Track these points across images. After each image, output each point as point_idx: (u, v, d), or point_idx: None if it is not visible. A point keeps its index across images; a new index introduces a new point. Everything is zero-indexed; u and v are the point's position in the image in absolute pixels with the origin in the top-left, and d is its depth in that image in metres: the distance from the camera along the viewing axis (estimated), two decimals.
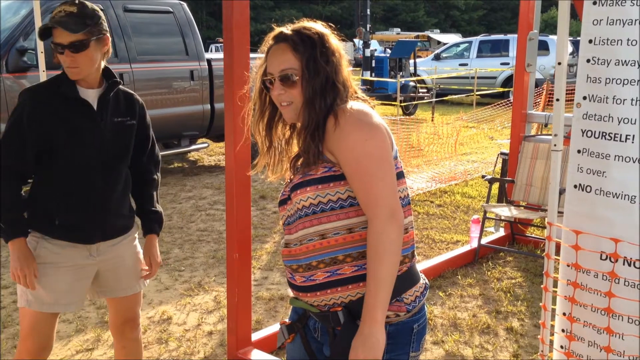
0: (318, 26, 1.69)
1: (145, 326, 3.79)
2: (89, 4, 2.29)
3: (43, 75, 4.14)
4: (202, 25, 36.62)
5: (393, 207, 1.56)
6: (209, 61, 7.95)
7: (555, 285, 1.92)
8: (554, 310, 1.93)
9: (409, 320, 1.65)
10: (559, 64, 1.89)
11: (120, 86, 2.43)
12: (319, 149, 1.61)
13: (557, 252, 1.91)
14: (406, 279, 1.65)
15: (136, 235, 2.62)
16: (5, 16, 6.63)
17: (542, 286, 1.97)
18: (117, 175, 2.41)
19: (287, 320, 1.84)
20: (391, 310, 1.61)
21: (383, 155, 1.58)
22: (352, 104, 1.63)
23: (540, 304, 1.98)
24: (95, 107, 2.33)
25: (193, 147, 8.23)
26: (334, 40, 1.68)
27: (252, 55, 3.20)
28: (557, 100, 1.91)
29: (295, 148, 1.77)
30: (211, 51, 22.10)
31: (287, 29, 1.67)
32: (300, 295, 1.70)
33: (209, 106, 7.93)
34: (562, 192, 2.24)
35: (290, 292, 1.82)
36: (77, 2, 2.25)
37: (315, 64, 1.63)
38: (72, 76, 2.28)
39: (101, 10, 2.41)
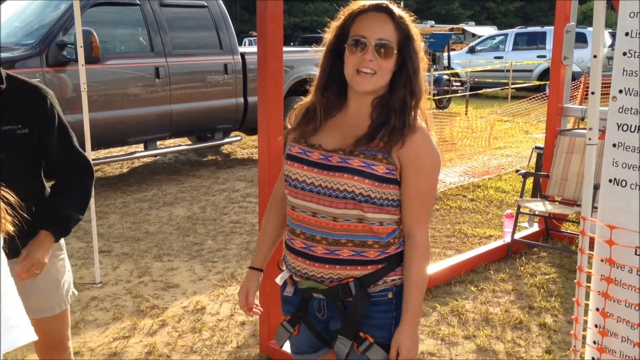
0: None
1: (179, 315, 3.87)
2: None
3: (82, 69, 4.25)
4: (236, 19, 36.81)
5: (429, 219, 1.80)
6: (242, 55, 8.01)
7: (589, 280, 1.90)
8: (587, 305, 1.92)
9: None
10: (595, 57, 1.86)
11: (20, 80, 2.06)
12: (404, 129, 1.68)
13: (592, 247, 1.89)
14: (402, 253, 1.79)
15: (59, 253, 2.28)
16: (45, 11, 6.79)
17: (575, 281, 1.96)
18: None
19: (284, 317, 1.90)
20: (396, 275, 1.77)
21: (437, 181, 1.81)
22: (425, 127, 1.74)
23: (574, 299, 1.97)
24: None
25: (226, 140, 8.32)
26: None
27: (285, 48, 3.22)
28: (592, 93, 1.89)
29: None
30: (245, 45, 22.22)
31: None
32: (315, 265, 1.74)
33: (242, 99, 8.00)
34: (597, 187, 2.21)
35: (279, 281, 1.86)
36: None
37: (413, 48, 1.72)
38: None
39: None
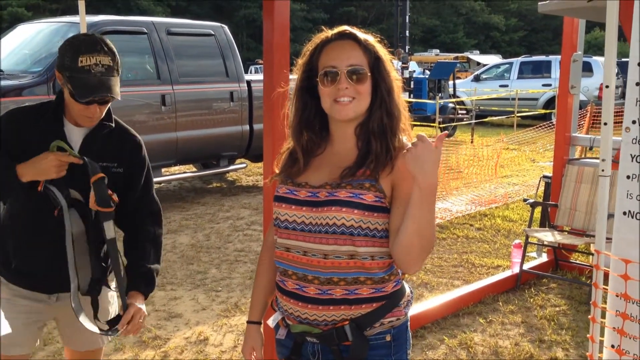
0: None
1: (182, 347, 3.79)
2: (108, 41, 2.07)
3: None
4: (242, 47, 37.19)
5: None
6: (248, 82, 8.05)
7: (603, 315, 1.84)
8: (601, 342, 1.85)
9: (405, 320, 1.75)
10: (607, 87, 1.83)
11: (120, 124, 2.20)
12: (391, 154, 1.64)
13: (605, 281, 1.84)
14: (399, 292, 1.73)
15: (111, 287, 2.27)
16: (53, 39, 6.85)
17: (589, 317, 1.90)
18: None
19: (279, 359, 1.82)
20: (394, 316, 1.69)
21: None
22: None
23: (588, 335, 1.91)
24: (77, 149, 2.08)
25: (231, 167, 8.32)
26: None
27: (291, 76, 3.21)
28: (605, 124, 1.85)
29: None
30: (251, 72, 22.40)
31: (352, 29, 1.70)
32: (308, 307, 1.67)
33: (247, 127, 8.01)
34: (608, 217, 2.16)
35: (271, 323, 1.78)
36: (108, 47, 2.04)
37: (384, 68, 1.67)
38: (85, 123, 2.09)
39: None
